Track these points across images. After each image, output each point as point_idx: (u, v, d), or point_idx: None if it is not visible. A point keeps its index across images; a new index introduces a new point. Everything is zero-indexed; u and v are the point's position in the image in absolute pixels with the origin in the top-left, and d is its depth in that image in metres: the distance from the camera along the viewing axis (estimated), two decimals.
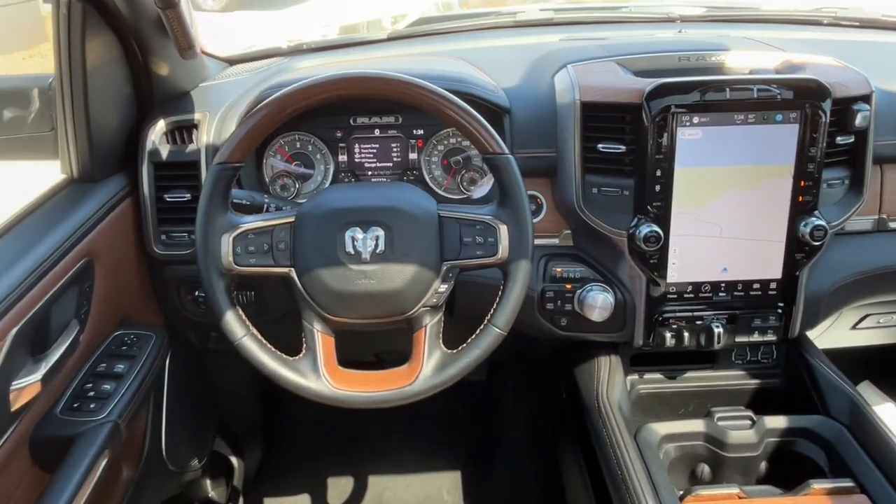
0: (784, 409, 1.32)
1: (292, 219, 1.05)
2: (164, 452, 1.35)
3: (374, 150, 1.38)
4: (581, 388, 1.32)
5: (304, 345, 1.07)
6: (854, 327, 1.51)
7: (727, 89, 1.15)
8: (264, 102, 1.01)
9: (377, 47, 1.70)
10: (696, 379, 1.39)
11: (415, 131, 1.37)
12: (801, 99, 1.16)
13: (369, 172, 1.38)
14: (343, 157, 1.38)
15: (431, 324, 1.07)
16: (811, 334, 1.48)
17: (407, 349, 1.07)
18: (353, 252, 1.02)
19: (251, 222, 1.04)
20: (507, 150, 1.03)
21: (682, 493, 1.11)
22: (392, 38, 1.74)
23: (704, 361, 1.40)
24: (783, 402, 1.36)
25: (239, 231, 1.03)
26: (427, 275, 1.03)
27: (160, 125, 1.29)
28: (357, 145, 1.38)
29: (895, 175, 1.31)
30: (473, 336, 1.06)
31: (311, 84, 1.00)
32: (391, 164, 1.38)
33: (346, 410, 1.74)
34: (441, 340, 1.08)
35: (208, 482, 1.74)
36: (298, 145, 1.37)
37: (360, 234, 1.02)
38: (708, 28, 1.67)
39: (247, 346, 1.04)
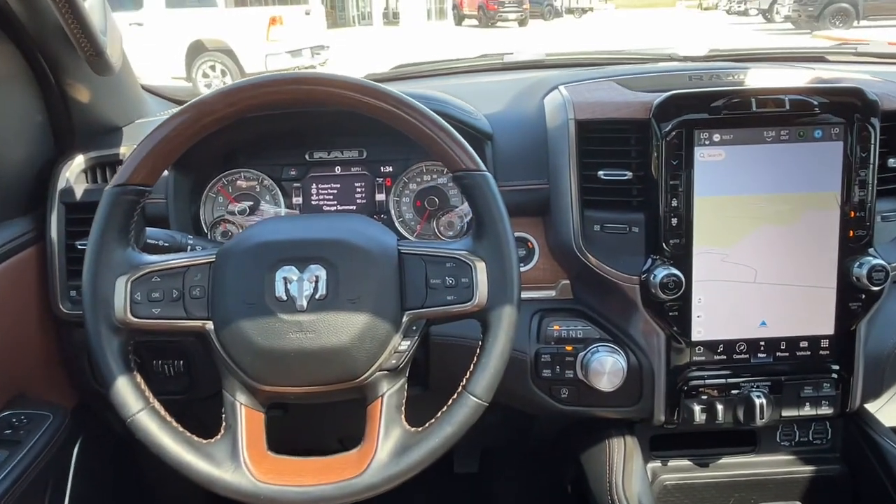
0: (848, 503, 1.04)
1: (212, 258, 0.82)
2: None
3: (335, 191, 1.17)
4: (590, 479, 1.04)
5: (224, 423, 0.82)
6: None
7: (753, 100, 0.95)
8: (179, 109, 0.81)
9: None
10: (735, 466, 1.11)
11: (382, 168, 1.16)
12: (842, 109, 0.95)
13: None
14: (298, 199, 1.16)
15: (390, 393, 0.82)
16: (870, 409, 1.22)
17: None
18: (285, 297, 0.78)
19: (157, 262, 0.81)
20: (483, 167, 0.81)
21: None
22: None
23: (743, 444, 1.12)
24: (846, 495, 1.08)
25: (140, 273, 0.80)
26: (383, 328, 0.79)
27: (78, 161, 1.09)
28: (314, 185, 1.17)
29: None
30: (444, 408, 0.80)
31: (237, 86, 0.80)
32: (355, 207, 1.17)
33: None
34: (403, 415, 0.82)
35: None
36: (244, 185, 1.16)
37: (294, 275, 0.79)
38: (715, 63, 1.49)
39: (143, 423, 0.79)
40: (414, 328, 0.82)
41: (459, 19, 21.17)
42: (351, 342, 0.78)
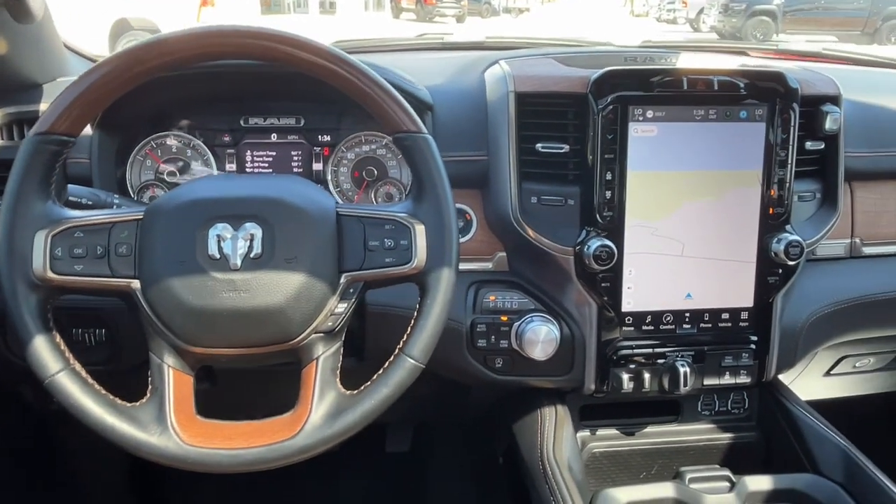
0: (764, 468, 1.10)
1: (140, 215, 0.79)
2: None
3: (271, 159, 1.14)
4: (522, 448, 1.06)
5: (150, 386, 0.79)
6: (828, 373, 1.32)
7: (684, 79, 0.99)
8: (107, 57, 0.77)
9: None
10: (658, 434, 1.15)
11: (320, 137, 1.14)
12: (766, 92, 1.00)
13: None
14: (231, 166, 1.13)
15: (325, 356, 0.81)
16: (785, 382, 1.29)
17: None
18: (218, 256, 0.76)
19: (81, 217, 0.77)
20: (424, 129, 0.81)
21: None
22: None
23: (667, 413, 1.17)
24: (762, 460, 1.14)
25: (62, 228, 0.76)
26: (319, 289, 0.78)
27: None
28: (249, 152, 1.13)
29: (866, 194, 1.17)
30: (381, 370, 0.80)
31: (168, 36, 0.76)
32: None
33: (238, 491, 1.40)
34: (338, 378, 0.82)
35: None
36: (175, 149, 1.11)
37: (229, 233, 0.76)
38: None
39: (62, 385, 0.75)
40: (351, 290, 0.81)
41: (397, 12, 21.07)
42: (286, 302, 0.76)
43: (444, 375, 1.10)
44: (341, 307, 0.81)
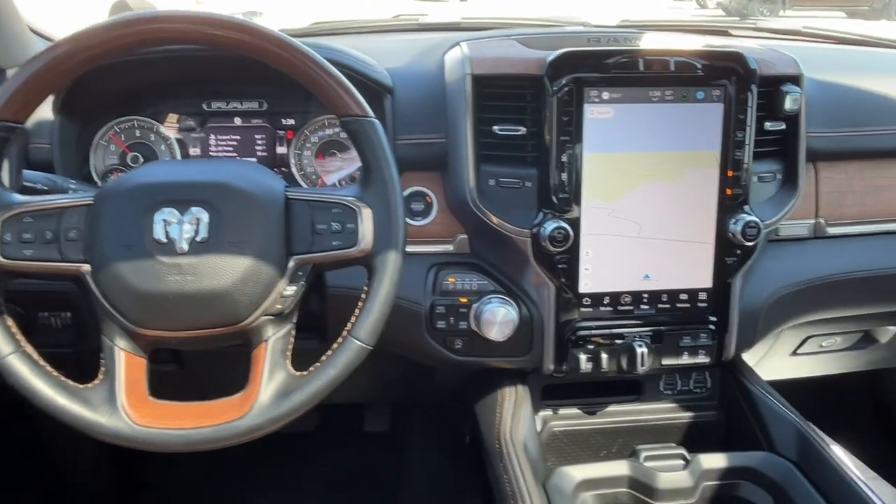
0: (723, 447, 1.11)
1: (90, 200, 0.80)
2: None
3: (235, 143, 1.15)
4: (482, 427, 1.08)
5: (103, 368, 0.80)
6: (794, 353, 1.33)
7: (640, 60, 0.98)
8: (54, 42, 0.77)
9: None
10: (620, 413, 1.16)
11: (283, 121, 1.15)
12: (723, 72, 1.00)
13: None
14: (196, 150, 1.14)
15: (275, 338, 0.82)
16: (750, 363, 1.30)
17: None
18: (164, 240, 0.77)
19: (30, 203, 0.78)
20: (370, 113, 0.82)
21: None
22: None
23: (629, 393, 1.18)
24: (722, 439, 1.15)
25: (11, 213, 0.77)
26: (267, 272, 0.79)
27: None
28: (213, 136, 1.14)
29: (831, 174, 1.17)
30: (329, 352, 0.81)
31: (115, 20, 0.77)
32: (255, 160, 1.15)
33: (220, 470, 1.41)
34: (289, 360, 0.83)
35: None
36: (138, 133, 1.12)
37: (175, 217, 0.77)
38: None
39: (13, 366, 0.77)
40: (300, 273, 0.83)
41: None
42: (232, 285, 0.78)
43: (406, 356, 1.11)
44: (290, 290, 0.82)
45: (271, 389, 0.80)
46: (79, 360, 0.96)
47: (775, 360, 1.33)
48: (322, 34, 1.52)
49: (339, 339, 0.81)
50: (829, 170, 1.16)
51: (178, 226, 0.77)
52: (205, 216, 0.78)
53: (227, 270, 0.78)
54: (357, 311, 0.81)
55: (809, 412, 1.85)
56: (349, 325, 0.81)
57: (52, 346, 1.04)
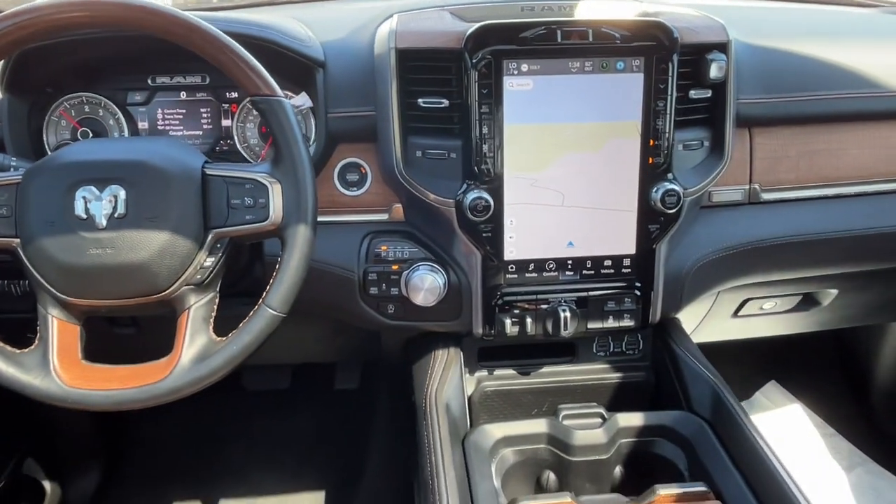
0: (651, 406, 1.16)
1: (18, 179, 0.85)
2: None
3: (181, 116, 1.19)
4: (416, 387, 1.13)
5: (38, 335, 0.87)
6: (736, 314, 1.36)
7: (559, 32, 1.00)
8: None
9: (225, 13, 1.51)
10: (553, 374, 1.22)
11: (227, 94, 1.18)
12: (643, 43, 1.01)
13: None
14: (144, 124, 1.18)
15: (196, 306, 0.88)
16: (689, 325, 1.34)
17: None
18: (84, 216, 0.83)
19: None
20: (278, 92, 0.85)
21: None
22: (239, 6, 1.57)
23: (562, 355, 1.23)
24: (650, 399, 1.20)
25: None
26: (184, 245, 0.84)
27: None
28: (160, 110, 1.18)
29: (765, 139, 1.17)
30: (245, 319, 0.87)
31: (26, 9, 0.81)
32: (201, 133, 1.19)
33: (201, 426, 1.47)
34: (211, 326, 0.89)
35: None
36: (87, 109, 1.17)
37: (93, 195, 0.83)
38: None
39: None
40: (218, 245, 0.88)
41: None
42: (150, 258, 0.83)
43: (343, 320, 1.17)
44: (210, 261, 0.88)
45: (191, 354, 0.86)
46: (34, 324, 1.03)
47: (717, 322, 1.36)
48: (273, 3, 1.53)
49: (255, 308, 0.87)
50: (764, 135, 1.17)
51: (97, 202, 0.83)
52: (122, 193, 0.83)
53: (145, 244, 0.83)
54: (270, 280, 0.87)
55: (780, 369, 1.89)
56: (264, 294, 0.87)
57: (13, 312, 1.11)
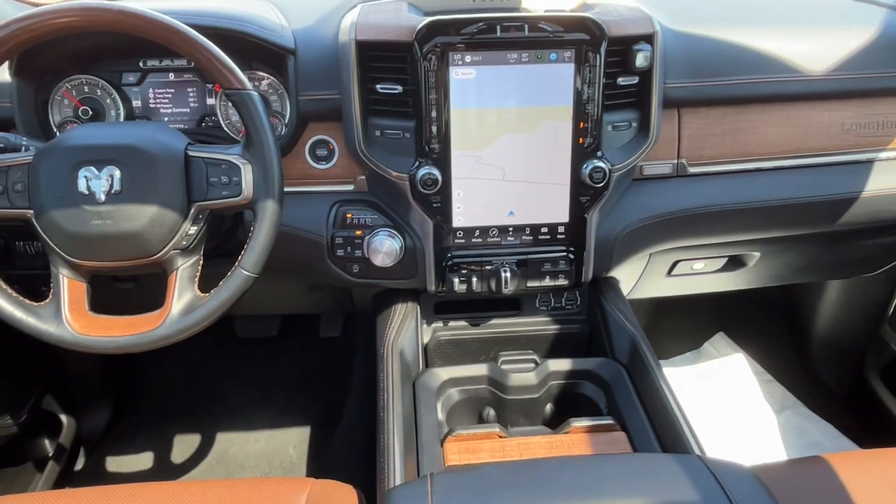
0: (584, 355, 1.33)
1: (30, 159, 1.01)
2: None
3: (170, 96, 1.33)
4: (377, 336, 1.31)
5: (51, 290, 1.04)
6: (669, 274, 1.52)
7: (498, 27, 1.13)
8: None
9: None
10: (500, 326, 1.39)
11: (204, 72, 1.32)
12: (574, 36, 1.14)
13: (165, 118, 1.33)
14: (137, 103, 1.33)
15: (184, 267, 1.05)
16: (628, 283, 1.50)
17: None
18: (86, 192, 0.98)
19: None
20: (248, 86, 1.00)
21: (446, 433, 1.11)
22: None
23: (511, 309, 1.40)
24: (584, 348, 1.37)
25: None
26: (171, 216, 1.00)
27: None
28: (151, 90, 1.33)
29: (692, 119, 1.31)
30: (224, 279, 1.04)
31: (29, 15, 0.95)
32: (188, 111, 1.34)
33: (200, 370, 1.65)
34: (196, 285, 1.06)
35: (46, 442, 1.71)
36: (87, 89, 1.31)
37: (93, 174, 0.99)
38: None
39: None
40: (200, 216, 1.04)
41: None
42: (143, 227, 0.99)
43: (316, 278, 1.34)
44: (193, 230, 1.04)
45: (179, 307, 1.03)
46: (49, 282, 1.20)
47: (653, 280, 1.52)
48: None
49: (232, 269, 1.03)
50: (691, 115, 1.31)
51: (96, 181, 0.99)
52: (117, 173, 0.99)
53: (138, 216, 0.99)
54: (245, 246, 1.03)
55: (731, 322, 2.07)
56: (239, 257, 1.03)
57: (28, 269, 1.29)
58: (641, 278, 1.50)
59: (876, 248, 1.55)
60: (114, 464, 1.81)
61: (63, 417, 1.74)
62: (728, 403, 1.85)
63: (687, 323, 2.12)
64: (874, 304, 1.85)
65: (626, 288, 1.51)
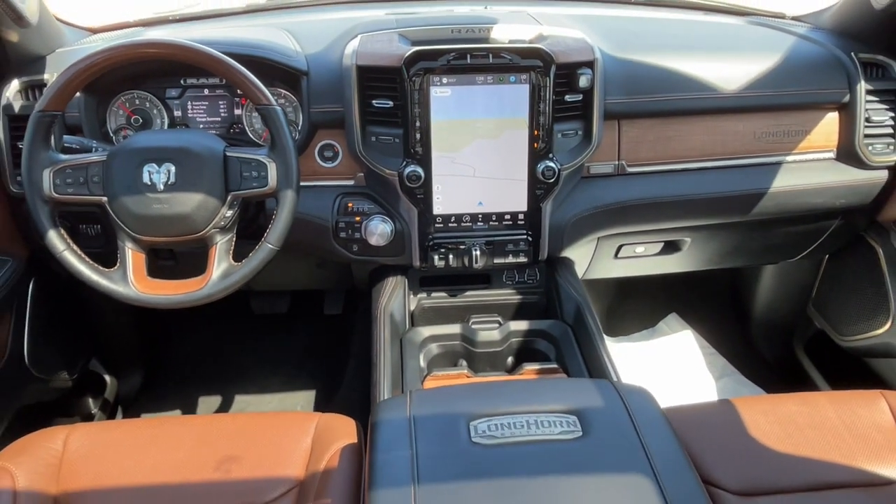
0: (541, 318, 1.63)
1: (104, 158, 1.31)
2: (25, 358, 1.61)
3: (205, 107, 1.64)
4: (372, 303, 1.61)
5: (119, 259, 1.34)
6: (616, 257, 1.82)
7: (468, 56, 1.43)
8: (74, 62, 1.26)
9: (232, 18, 1.94)
10: (474, 296, 1.69)
11: (238, 90, 1.62)
12: (529, 63, 1.44)
13: (201, 125, 1.64)
14: (178, 113, 1.63)
15: (222, 242, 1.35)
16: (581, 265, 1.80)
17: None
18: (149, 183, 1.28)
19: (69, 160, 1.30)
20: (273, 102, 1.30)
21: (425, 375, 1.41)
22: (248, 11, 1.99)
23: (483, 282, 1.70)
24: (539, 313, 1.67)
25: (59, 166, 1.29)
26: (213, 202, 1.30)
27: (14, 84, 1.53)
28: (189, 103, 1.63)
29: (629, 128, 1.61)
30: (253, 251, 1.34)
31: (109, 48, 1.25)
32: (219, 119, 1.64)
33: (221, 342, 1.97)
34: (231, 256, 1.36)
35: (90, 400, 2.01)
36: (137, 102, 1.62)
37: (154, 169, 1.29)
38: (511, 5, 1.94)
39: (67, 258, 1.31)
40: (235, 203, 1.34)
41: None
42: (191, 210, 1.29)
43: (322, 256, 1.64)
44: (229, 213, 1.34)
45: (218, 273, 1.33)
46: (104, 255, 1.50)
47: (603, 262, 1.82)
48: (261, 10, 1.96)
49: (259, 243, 1.33)
50: (629, 125, 1.61)
51: (157, 174, 1.29)
52: (173, 168, 1.29)
53: (188, 201, 1.29)
54: (269, 225, 1.33)
55: (683, 302, 2.37)
56: (265, 234, 1.33)
57: (88, 247, 1.59)
58: (593, 260, 1.80)
59: (790, 236, 1.85)
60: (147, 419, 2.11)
61: (107, 378, 2.04)
62: (674, 373, 2.15)
63: (644, 305, 2.43)
64: (802, 286, 2.15)
65: (580, 269, 1.81)
